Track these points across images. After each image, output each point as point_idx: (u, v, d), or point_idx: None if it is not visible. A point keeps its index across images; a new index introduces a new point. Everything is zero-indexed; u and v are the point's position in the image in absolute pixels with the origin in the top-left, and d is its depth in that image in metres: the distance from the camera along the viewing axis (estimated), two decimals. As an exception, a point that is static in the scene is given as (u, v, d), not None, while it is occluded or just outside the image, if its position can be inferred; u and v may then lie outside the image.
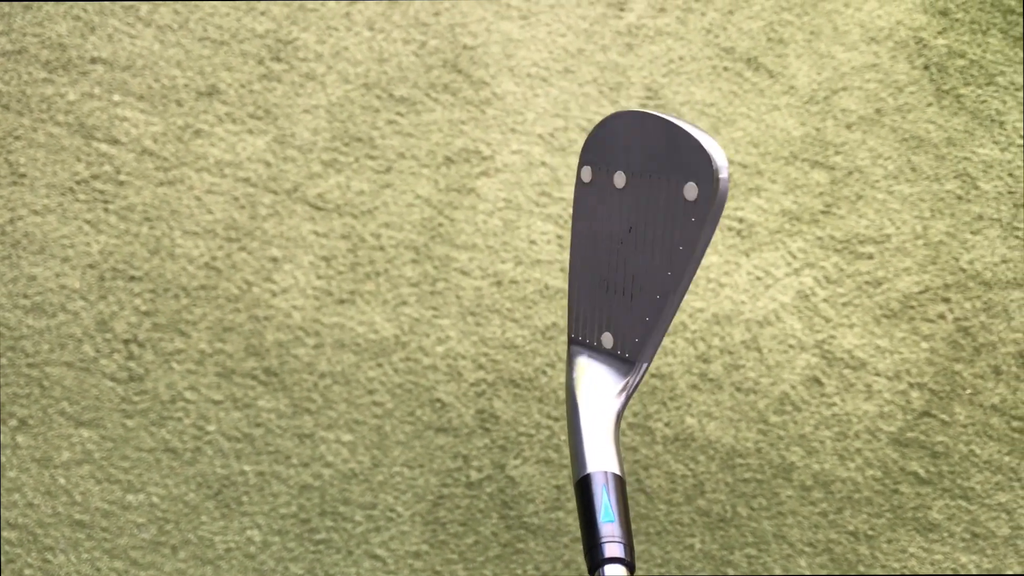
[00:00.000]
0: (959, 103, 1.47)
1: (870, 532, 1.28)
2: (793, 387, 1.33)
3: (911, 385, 1.33)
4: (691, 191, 0.65)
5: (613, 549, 0.62)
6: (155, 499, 1.25)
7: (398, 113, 1.43)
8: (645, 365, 0.69)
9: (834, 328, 1.35)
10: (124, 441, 1.27)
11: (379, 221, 1.37)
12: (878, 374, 1.34)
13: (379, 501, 1.26)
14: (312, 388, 1.30)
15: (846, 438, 1.31)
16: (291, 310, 1.33)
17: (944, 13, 1.53)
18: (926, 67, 1.49)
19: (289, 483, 1.26)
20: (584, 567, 1.25)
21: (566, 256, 1.37)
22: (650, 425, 1.31)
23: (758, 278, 1.37)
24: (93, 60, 1.42)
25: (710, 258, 1.37)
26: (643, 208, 0.68)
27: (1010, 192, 1.43)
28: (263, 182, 1.38)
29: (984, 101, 1.48)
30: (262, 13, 1.46)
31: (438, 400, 1.30)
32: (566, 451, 1.29)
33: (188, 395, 1.29)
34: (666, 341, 1.34)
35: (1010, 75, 1.49)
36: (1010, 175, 1.44)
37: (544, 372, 1.32)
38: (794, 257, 1.38)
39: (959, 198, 1.42)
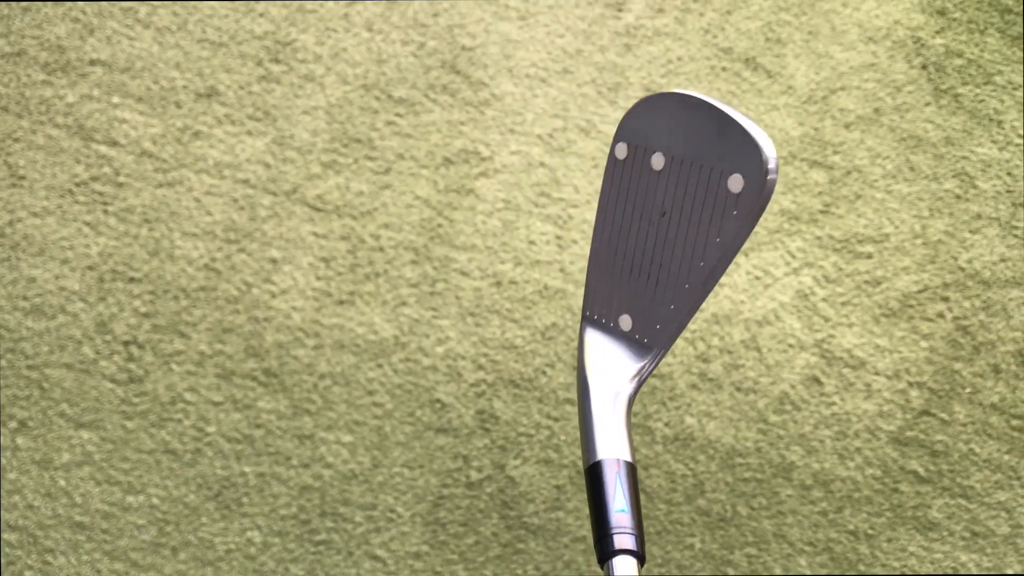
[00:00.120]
0: (957, 102, 1.47)
1: (870, 531, 1.28)
2: (793, 386, 1.33)
3: (910, 384, 1.34)
4: (736, 183, 0.63)
5: (624, 541, 0.61)
6: (155, 500, 1.25)
7: (397, 114, 1.43)
8: (662, 352, 0.68)
9: (833, 327, 1.35)
10: (124, 443, 1.27)
11: (378, 222, 1.37)
12: (877, 373, 1.34)
13: (379, 502, 1.26)
14: (312, 389, 1.30)
15: (846, 437, 1.31)
16: (291, 311, 1.33)
17: (942, 12, 1.53)
18: (924, 66, 1.49)
19: (289, 484, 1.26)
20: (584, 566, 1.26)
21: (565, 256, 1.37)
22: (650, 425, 1.31)
23: (757, 278, 1.37)
24: (92, 62, 1.42)
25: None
26: (681, 194, 0.66)
27: (1008, 191, 1.43)
28: (262, 183, 1.38)
29: (982, 100, 1.48)
30: (261, 15, 1.47)
31: (438, 401, 1.30)
32: (566, 451, 1.29)
33: (188, 396, 1.29)
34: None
35: (1008, 74, 1.49)
36: (1008, 174, 1.44)
37: (544, 372, 1.32)
38: (793, 256, 1.39)
39: (958, 197, 1.42)
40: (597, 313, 0.71)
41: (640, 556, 0.61)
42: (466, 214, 1.38)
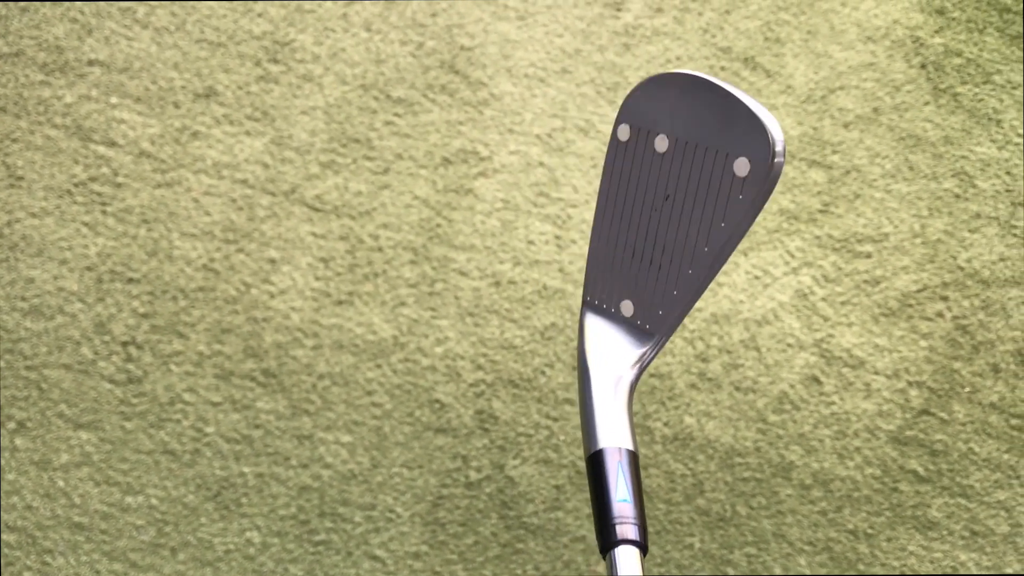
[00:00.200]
0: (956, 102, 1.47)
1: (869, 530, 1.28)
2: (792, 386, 1.33)
3: (910, 383, 1.33)
4: (742, 167, 0.62)
5: (627, 531, 0.60)
6: (154, 501, 1.25)
7: (396, 114, 1.43)
8: (664, 339, 0.66)
9: (833, 327, 1.35)
10: (123, 443, 1.27)
11: (377, 222, 1.37)
12: (877, 373, 1.34)
13: (378, 502, 1.26)
14: (311, 389, 1.30)
15: (845, 437, 1.31)
16: (289, 311, 1.32)
17: (941, 12, 1.53)
18: (923, 66, 1.49)
19: (288, 484, 1.26)
20: (584, 566, 1.25)
21: (564, 257, 1.37)
22: (649, 424, 1.31)
23: (756, 277, 1.37)
24: (90, 62, 1.42)
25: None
26: (685, 177, 0.64)
27: (1008, 190, 1.43)
28: (261, 184, 1.38)
29: (981, 99, 1.48)
30: (259, 15, 1.46)
31: (437, 401, 1.30)
32: (565, 451, 1.29)
33: (187, 397, 1.29)
34: (665, 341, 1.34)
35: (1007, 73, 1.49)
36: (1007, 173, 1.44)
37: (543, 372, 1.32)
38: (792, 256, 1.39)
39: (957, 196, 1.42)
40: (598, 298, 0.69)
41: (643, 546, 0.60)
42: (465, 214, 1.38)
